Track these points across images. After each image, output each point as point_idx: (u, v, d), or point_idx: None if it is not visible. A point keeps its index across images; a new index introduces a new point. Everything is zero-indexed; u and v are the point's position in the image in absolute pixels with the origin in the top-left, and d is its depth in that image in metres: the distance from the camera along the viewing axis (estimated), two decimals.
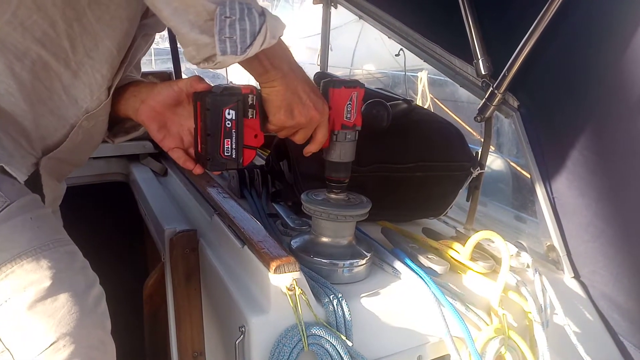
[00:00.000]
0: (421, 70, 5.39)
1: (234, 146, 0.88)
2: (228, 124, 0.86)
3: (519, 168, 3.57)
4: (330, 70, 2.38)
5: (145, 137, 1.76)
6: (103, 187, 1.83)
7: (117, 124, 1.06)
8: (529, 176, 1.31)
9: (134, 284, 1.43)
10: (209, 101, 0.85)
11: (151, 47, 1.11)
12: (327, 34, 2.13)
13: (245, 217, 1.09)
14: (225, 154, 0.88)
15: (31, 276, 0.72)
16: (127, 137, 1.09)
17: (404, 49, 1.64)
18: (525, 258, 1.16)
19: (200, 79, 0.90)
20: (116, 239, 1.78)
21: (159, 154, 1.80)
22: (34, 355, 0.70)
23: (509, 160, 3.72)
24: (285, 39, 0.84)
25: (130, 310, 1.47)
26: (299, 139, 0.94)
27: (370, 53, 6.76)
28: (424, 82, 5.39)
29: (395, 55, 1.77)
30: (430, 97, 5.44)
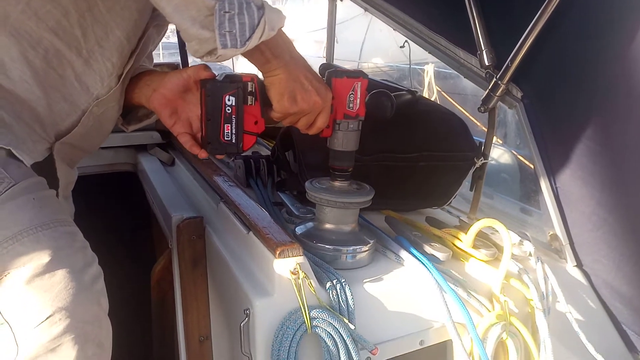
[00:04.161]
0: (428, 63, 5.38)
1: (233, 131, 0.92)
2: (228, 109, 0.90)
3: (525, 160, 3.56)
4: (338, 64, 2.39)
5: (153, 128, 1.81)
6: (112, 177, 1.86)
7: (131, 112, 1.10)
8: (532, 167, 1.31)
9: (142, 270, 1.46)
10: (210, 87, 0.89)
11: (160, 41, 1.14)
12: (333, 27, 2.14)
13: (250, 204, 1.11)
14: (226, 138, 0.92)
15: (31, 253, 0.74)
16: (140, 125, 1.13)
17: (409, 40, 1.65)
18: (528, 246, 1.17)
19: (205, 67, 0.93)
20: (124, 227, 1.80)
21: (167, 144, 1.83)
22: (31, 327, 0.72)
23: (515, 153, 3.70)
24: (293, 32, 0.88)
25: (139, 296, 1.50)
26: (302, 125, 0.96)
27: (378, 46, 6.75)
28: (430, 75, 5.38)
29: (400, 47, 1.77)
30: (437, 90, 5.43)
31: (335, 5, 2.08)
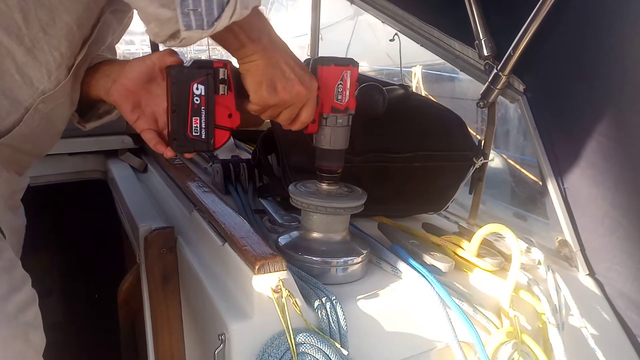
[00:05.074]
0: (416, 65, 5.31)
1: (203, 125, 0.80)
2: (196, 100, 0.78)
3: (515, 164, 3.49)
4: None
5: (124, 131, 1.68)
6: (79, 185, 1.72)
7: (91, 109, 0.98)
8: (523, 171, 1.22)
9: (111, 288, 1.32)
10: (175, 74, 0.77)
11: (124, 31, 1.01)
12: (317, 21, 2.04)
13: (227, 212, 0.99)
14: (194, 133, 0.80)
15: None
16: (100, 122, 1.00)
17: (399, 33, 1.54)
18: (537, 254, 1.07)
19: (172, 52, 0.81)
20: (93, 240, 1.66)
21: (139, 149, 1.70)
22: None
23: (504, 156, 3.64)
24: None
25: (107, 317, 1.36)
26: (284, 119, 0.85)
27: (365, 49, 6.70)
28: (418, 77, 5.31)
29: (390, 40, 1.66)
30: (425, 94, 5.36)
31: None
